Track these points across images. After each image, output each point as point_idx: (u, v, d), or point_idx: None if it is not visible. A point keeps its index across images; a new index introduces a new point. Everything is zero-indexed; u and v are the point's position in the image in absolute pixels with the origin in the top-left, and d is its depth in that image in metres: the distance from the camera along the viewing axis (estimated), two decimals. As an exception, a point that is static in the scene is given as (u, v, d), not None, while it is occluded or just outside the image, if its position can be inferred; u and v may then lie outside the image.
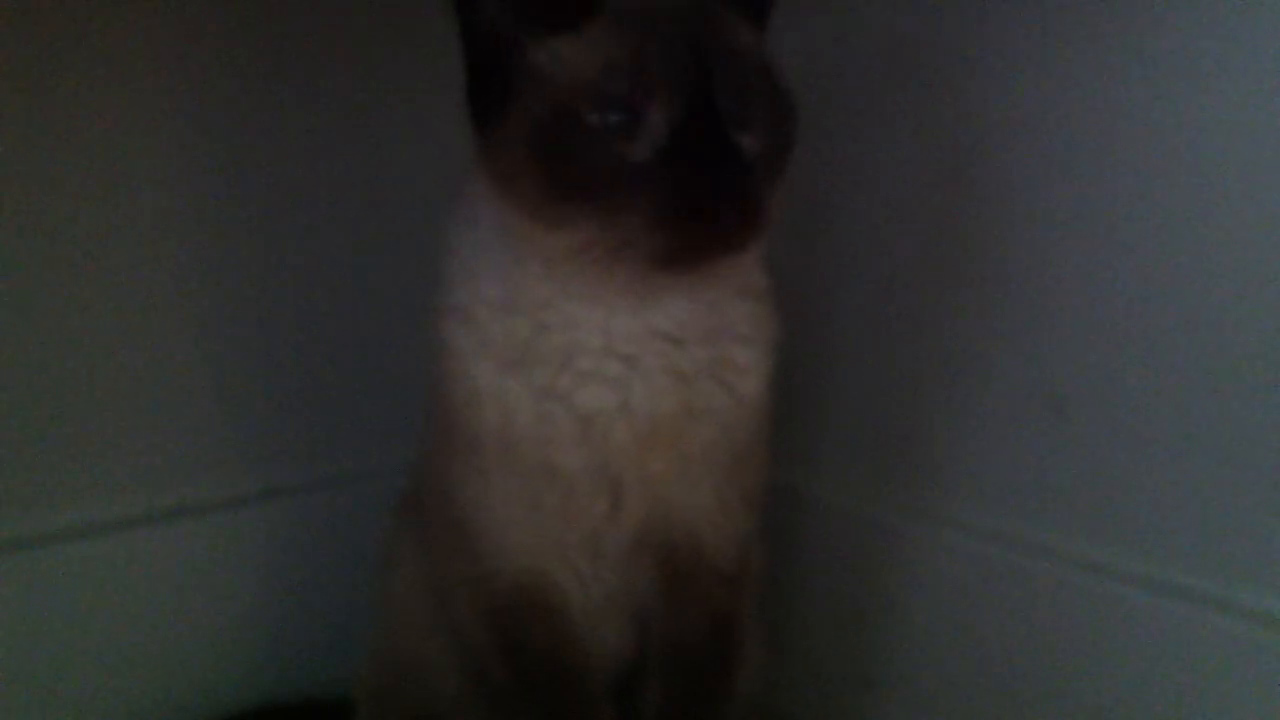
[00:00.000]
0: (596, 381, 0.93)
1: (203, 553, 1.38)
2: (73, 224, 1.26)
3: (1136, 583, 1.09)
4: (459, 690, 1.10)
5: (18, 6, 1.16)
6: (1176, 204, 1.04)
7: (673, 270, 0.87)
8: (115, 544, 1.32)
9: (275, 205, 1.39)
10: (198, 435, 1.38)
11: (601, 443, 0.94)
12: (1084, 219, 1.11)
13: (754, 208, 0.85)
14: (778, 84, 0.91)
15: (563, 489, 0.95)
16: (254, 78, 1.35)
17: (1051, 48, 1.11)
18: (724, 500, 0.99)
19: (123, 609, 1.32)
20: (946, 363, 1.25)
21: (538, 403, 0.93)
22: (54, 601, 1.27)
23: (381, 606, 1.16)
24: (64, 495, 1.29)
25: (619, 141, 0.83)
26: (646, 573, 1.01)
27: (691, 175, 0.83)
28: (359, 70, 1.40)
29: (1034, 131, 1.14)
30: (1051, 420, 1.17)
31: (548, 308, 0.92)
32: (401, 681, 1.14)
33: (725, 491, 0.99)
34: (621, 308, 0.92)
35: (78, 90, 1.23)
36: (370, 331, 1.44)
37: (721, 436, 0.96)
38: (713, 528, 1.00)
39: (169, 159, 1.31)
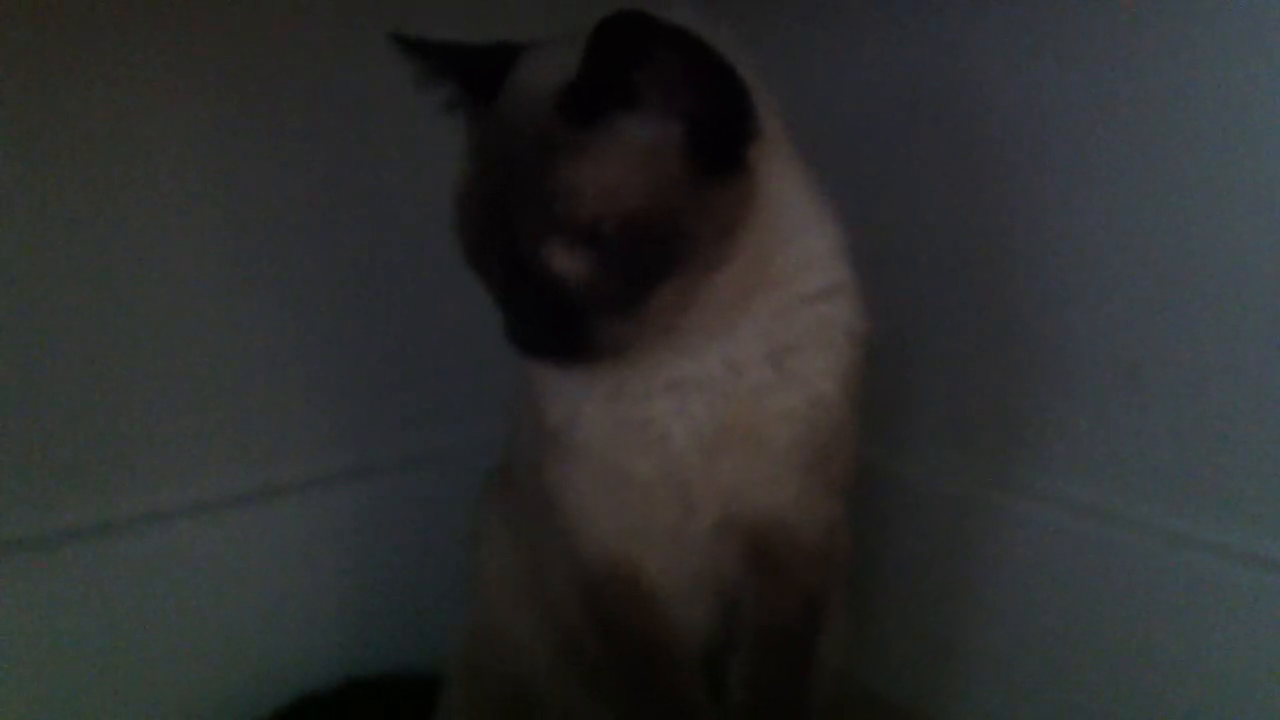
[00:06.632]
0: (656, 393, 0.94)
1: (292, 531, 1.41)
2: (162, 203, 1.28)
3: (1219, 552, 1.09)
4: (551, 664, 1.13)
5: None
6: (1250, 172, 1.03)
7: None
8: (206, 523, 1.35)
9: (364, 186, 1.41)
10: (287, 415, 1.41)
11: (663, 451, 0.95)
12: (1158, 189, 1.10)
13: (563, 343, 0.86)
14: (637, 192, 0.82)
15: (636, 490, 0.97)
16: (339, 42, 1.35)
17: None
18: (808, 490, 1.00)
19: (213, 587, 1.35)
20: (1025, 337, 1.25)
21: (601, 409, 0.95)
22: (147, 580, 1.31)
23: (474, 582, 1.19)
24: (155, 476, 1.33)
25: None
26: (733, 557, 1.02)
27: (510, 323, 0.88)
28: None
29: (1109, 101, 1.12)
30: (1130, 391, 1.16)
31: None
32: (494, 656, 1.16)
33: (809, 482, 0.99)
34: (687, 346, 0.92)
35: (159, 79, 1.26)
36: (457, 309, 1.39)
37: (799, 436, 0.96)
38: (798, 515, 1.00)
39: (254, 141, 1.33)
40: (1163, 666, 1.14)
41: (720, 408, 0.94)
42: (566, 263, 0.83)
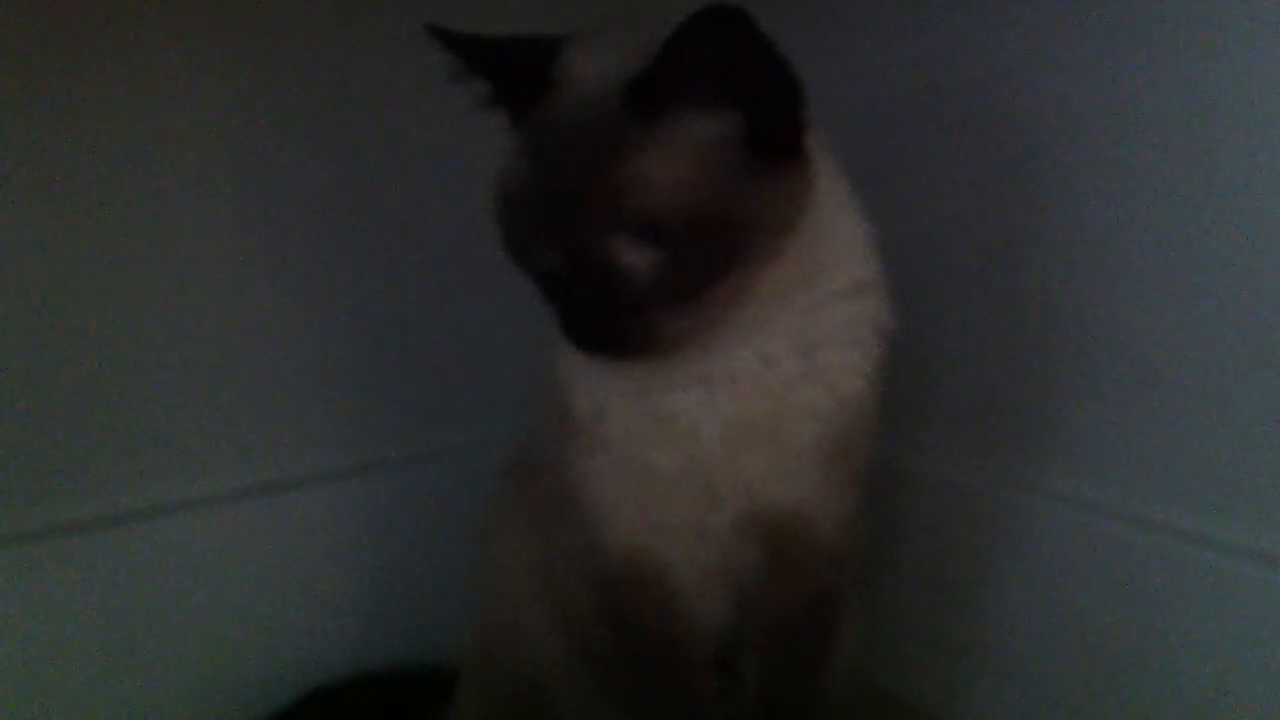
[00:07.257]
0: (685, 387, 0.94)
1: (301, 526, 1.41)
2: (169, 198, 1.28)
3: (1236, 552, 1.08)
4: (562, 658, 1.12)
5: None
6: (1272, 171, 1.02)
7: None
8: (214, 518, 1.35)
9: (373, 184, 1.41)
10: (295, 410, 1.40)
11: (690, 445, 0.94)
12: (1178, 187, 1.09)
13: (623, 337, 0.86)
14: (702, 191, 0.82)
15: (660, 484, 0.96)
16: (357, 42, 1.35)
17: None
18: (829, 487, 0.99)
19: (222, 582, 1.35)
20: (1041, 335, 1.24)
21: (630, 402, 0.95)
22: (157, 575, 1.31)
23: (485, 575, 1.18)
24: (165, 471, 1.32)
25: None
26: (750, 552, 1.02)
27: (560, 313, 0.89)
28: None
29: (1130, 98, 1.11)
30: (1145, 391, 1.15)
31: None
32: (505, 649, 1.16)
33: (830, 479, 0.99)
34: (721, 339, 0.91)
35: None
36: (466, 305, 1.45)
37: (824, 433, 0.96)
38: (817, 511, 1.00)
39: (261, 138, 1.32)
40: (1177, 665, 1.13)
41: (748, 402, 0.93)
42: (633, 256, 0.82)
